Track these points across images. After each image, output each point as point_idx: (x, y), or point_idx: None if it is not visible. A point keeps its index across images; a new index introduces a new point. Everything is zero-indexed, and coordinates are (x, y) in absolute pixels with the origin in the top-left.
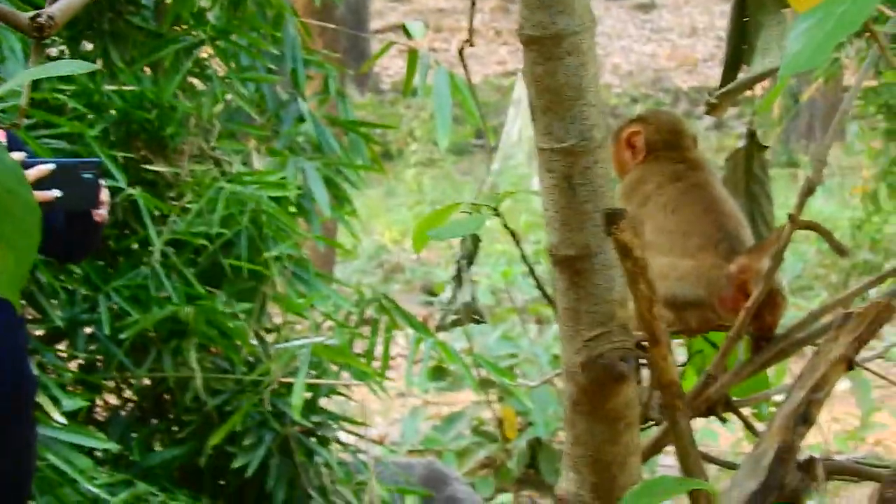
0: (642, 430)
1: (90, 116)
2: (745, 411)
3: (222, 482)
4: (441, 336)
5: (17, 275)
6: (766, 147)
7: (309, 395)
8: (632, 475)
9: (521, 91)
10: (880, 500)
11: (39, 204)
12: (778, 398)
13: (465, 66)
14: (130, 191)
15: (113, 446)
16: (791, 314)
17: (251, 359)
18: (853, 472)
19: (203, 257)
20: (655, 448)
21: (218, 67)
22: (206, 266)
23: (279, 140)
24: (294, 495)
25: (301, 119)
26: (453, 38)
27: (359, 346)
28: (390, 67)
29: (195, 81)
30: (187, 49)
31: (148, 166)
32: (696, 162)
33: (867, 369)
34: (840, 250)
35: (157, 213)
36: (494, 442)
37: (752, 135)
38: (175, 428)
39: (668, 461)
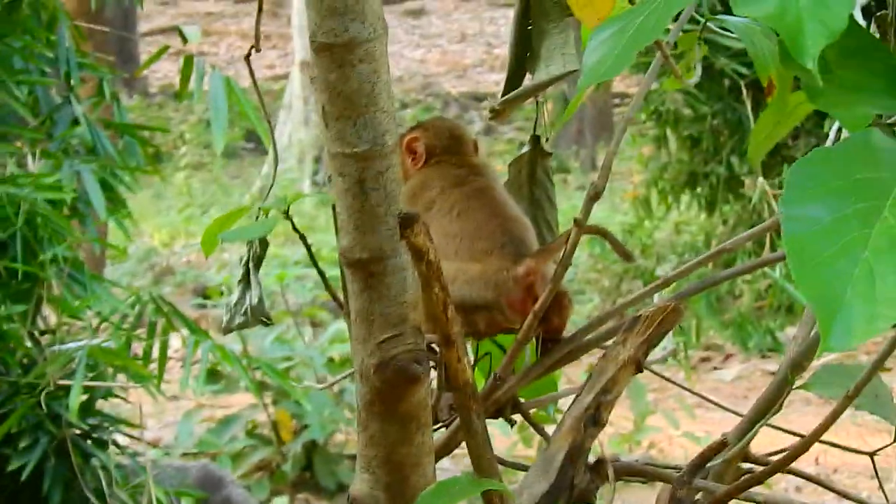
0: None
1: None
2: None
3: None
4: (217, 339)
5: None
6: (550, 154)
7: (85, 397)
8: (426, 476)
9: (291, 95)
10: (671, 500)
11: None
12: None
13: (251, 71)
14: None
15: None
16: None
17: (26, 361)
18: (642, 473)
19: None
20: (445, 449)
21: None
22: None
23: (53, 143)
24: (70, 498)
25: (75, 122)
26: (222, 42)
27: (135, 349)
28: (158, 70)
29: None
30: None
31: None
32: (478, 167)
33: (654, 372)
34: (626, 255)
35: None
36: (269, 445)
37: (535, 140)
38: None
39: (445, 464)
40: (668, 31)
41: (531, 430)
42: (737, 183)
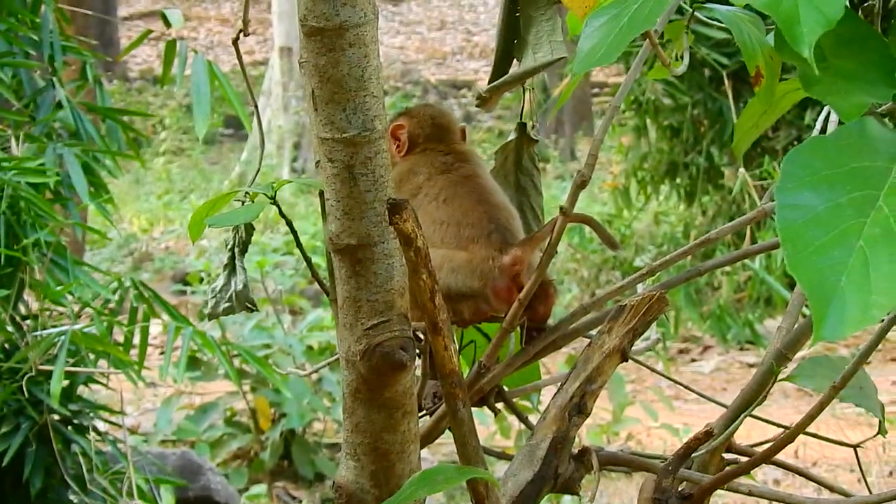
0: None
1: None
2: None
3: None
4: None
5: None
6: (536, 141)
7: (66, 382)
8: (411, 463)
9: (270, 81)
10: (656, 490)
11: None
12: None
13: (238, 56)
14: None
15: None
16: None
17: (8, 346)
18: (627, 463)
19: None
20: (429, 438)
21: None
22: None
23: (36, 126)
24: (51, 484)
25: (59, 105)
26: (201, 27)
27: (115, 335)
28: (138, 55)
29: None
30: None
31: None
32: (464, 154)
33: (639, 362)
34: (612, 244)
35: None
36: (248, 433)
37: (522, 128)
38: None
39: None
40: None
41: (509, 420)
42: (716, 173)
